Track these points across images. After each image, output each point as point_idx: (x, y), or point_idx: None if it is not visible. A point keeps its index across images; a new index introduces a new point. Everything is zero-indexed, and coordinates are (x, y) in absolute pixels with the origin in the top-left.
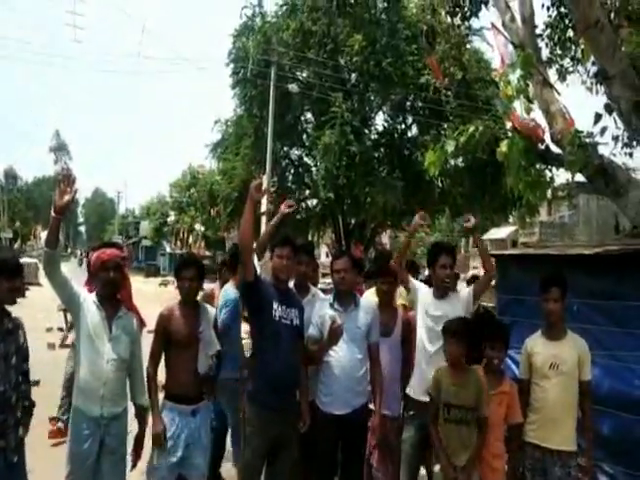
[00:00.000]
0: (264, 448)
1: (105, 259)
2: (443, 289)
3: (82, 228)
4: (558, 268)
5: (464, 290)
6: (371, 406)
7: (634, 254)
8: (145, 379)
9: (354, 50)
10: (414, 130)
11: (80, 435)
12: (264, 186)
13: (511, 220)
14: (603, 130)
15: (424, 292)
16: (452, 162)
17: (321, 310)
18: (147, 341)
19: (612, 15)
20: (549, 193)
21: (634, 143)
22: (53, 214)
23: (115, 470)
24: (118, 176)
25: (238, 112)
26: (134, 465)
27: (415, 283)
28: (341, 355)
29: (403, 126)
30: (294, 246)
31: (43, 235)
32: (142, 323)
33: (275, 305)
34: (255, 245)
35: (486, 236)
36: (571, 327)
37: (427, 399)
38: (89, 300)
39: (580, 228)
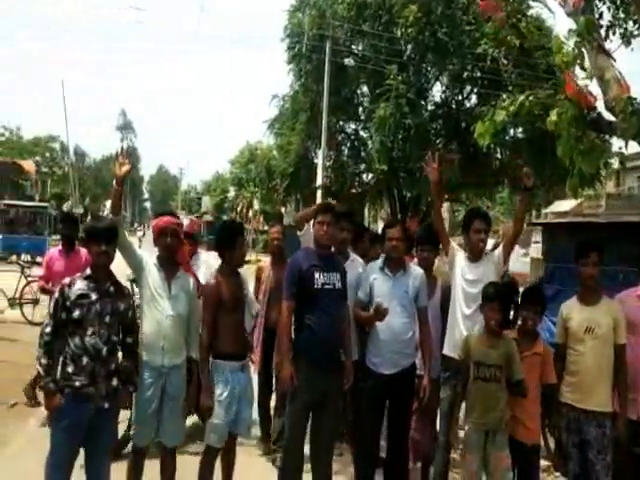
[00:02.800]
0: (310, 403)
1: (162, 226)
2: (477, 253)
3: (147, 204)
4: (604, 236)
5: (495, 252)
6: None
7: None
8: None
9: (409, 21)
10: (472, 101)
11: (144, 383)
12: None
13: None
14: None
15: (460, 256)
16: (512, 132)
17: (370, 274)
18: None
19: None
20: (616, 163)
21: None
22: (115, 185)
23: (174, 415)
24: (180, 153)
25: (294, 87)
26: (189, 412)
27: (454, 246)
28: (390, 319)
29: (461, 97)
30: (335, 213)
31: (107, 204)
32: (198, 285)
33: (317, 275)
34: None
35: (550, 209)
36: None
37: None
38: (150, 262)
39: None
